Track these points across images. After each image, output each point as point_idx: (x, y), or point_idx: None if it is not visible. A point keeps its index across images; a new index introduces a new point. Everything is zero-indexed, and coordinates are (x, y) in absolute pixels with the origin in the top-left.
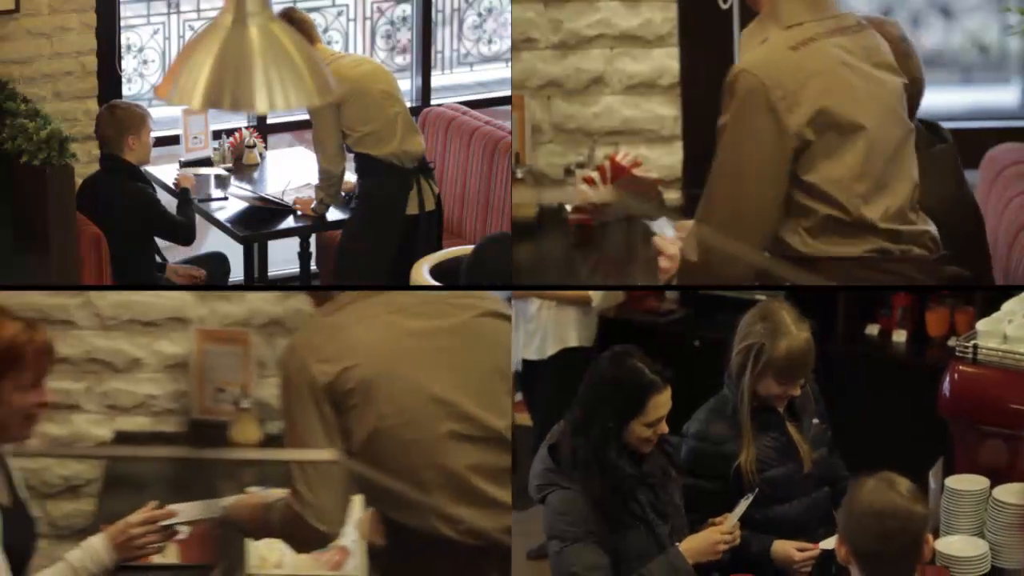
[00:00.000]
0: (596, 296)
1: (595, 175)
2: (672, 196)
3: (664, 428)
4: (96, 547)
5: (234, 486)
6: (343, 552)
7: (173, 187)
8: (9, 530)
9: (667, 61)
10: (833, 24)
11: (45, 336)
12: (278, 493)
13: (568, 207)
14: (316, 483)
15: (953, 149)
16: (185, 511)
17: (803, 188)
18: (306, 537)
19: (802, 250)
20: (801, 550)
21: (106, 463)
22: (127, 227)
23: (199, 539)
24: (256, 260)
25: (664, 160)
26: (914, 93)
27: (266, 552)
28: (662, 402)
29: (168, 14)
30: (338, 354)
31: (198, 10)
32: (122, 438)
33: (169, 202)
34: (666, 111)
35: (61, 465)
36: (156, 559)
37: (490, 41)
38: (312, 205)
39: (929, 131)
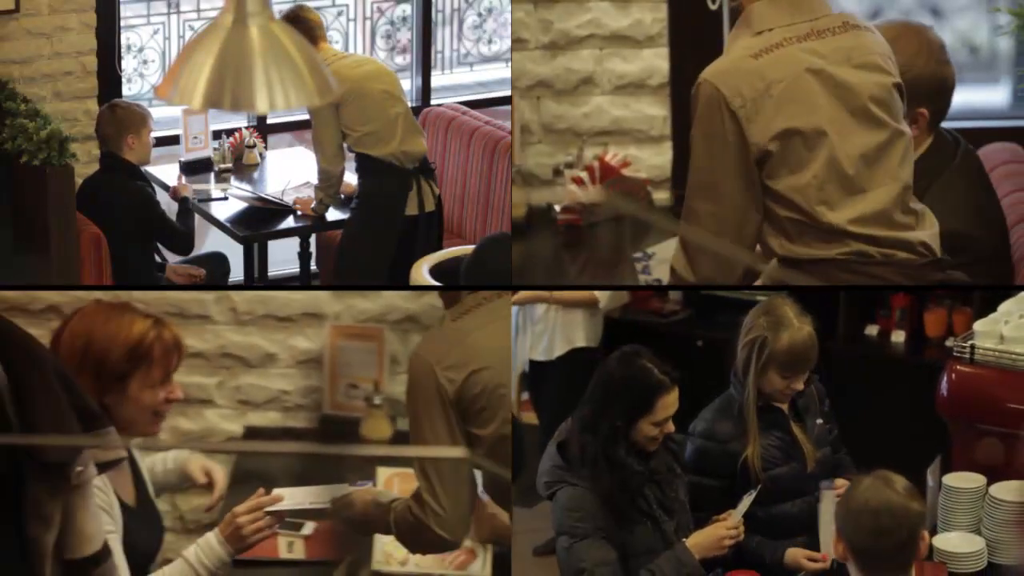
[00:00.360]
0: (603, 297)
1: (584, 175)
2: (661, 196)
3: (671, 427)
4: (211, 542)
5: (363, 477)
6: (470, 553)
7: (170, 196)
8: (134, 529)
9: (657, 61)
10: (807, 28)
11: (173, 333)
12: (391, 492)
13: (557, 207)
14: (442, 491)
15: (969, 157)
16: (291, 497)
17: (769, 195)
18: (429, 542)
19: (780, 253)
20: (812, 559)
21: (235, 458)
22: (127, 226)
23: (324, 535)
24: (256, 260)
25: (653, 160)
26: (934, 98)
27: (392, 549)
28: (670, 402)
29: (168, 14)
30: (463, 360)
31: (198, 10)
32: (252, 433)
33: (170, 203)
34: (655, 111)
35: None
36: (283, 554)
37: (490, 41)
38: (312, 205)
39: (954, 141)
